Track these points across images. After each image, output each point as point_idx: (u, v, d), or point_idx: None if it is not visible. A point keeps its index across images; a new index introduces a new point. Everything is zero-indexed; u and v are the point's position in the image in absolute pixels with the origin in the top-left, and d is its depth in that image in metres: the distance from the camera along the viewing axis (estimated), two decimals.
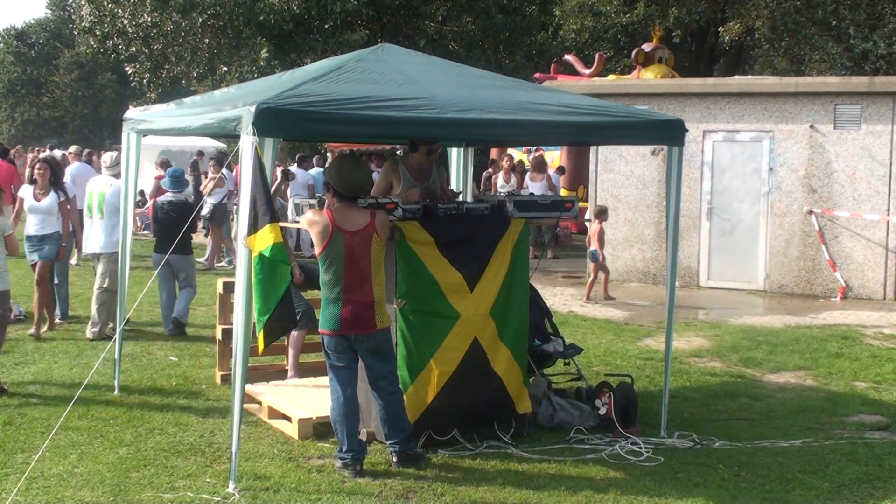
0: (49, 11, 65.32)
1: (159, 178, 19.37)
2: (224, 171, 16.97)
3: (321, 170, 21.52)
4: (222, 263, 17.82)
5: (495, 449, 7.16)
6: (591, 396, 8.06)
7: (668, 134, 7.60)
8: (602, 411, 7.85)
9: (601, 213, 14.79)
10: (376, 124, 6.52)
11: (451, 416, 7.18)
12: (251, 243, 5.98)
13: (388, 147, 22.58)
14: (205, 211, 17.41)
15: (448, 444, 7.15)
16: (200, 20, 24.48)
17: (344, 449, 6.60)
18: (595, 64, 24.47)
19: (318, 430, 7.36)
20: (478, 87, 7.56)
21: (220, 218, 17.84)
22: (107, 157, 11.95)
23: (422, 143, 7.84)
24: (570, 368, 8.70)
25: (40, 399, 8.37)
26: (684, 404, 8.67)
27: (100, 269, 11.26)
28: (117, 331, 8.63)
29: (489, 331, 7.30)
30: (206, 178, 18.95)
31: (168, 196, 11.83)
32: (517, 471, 6.77)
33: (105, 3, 26.36)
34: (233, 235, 17.45)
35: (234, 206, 16.71)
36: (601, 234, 14.53)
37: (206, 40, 25.60)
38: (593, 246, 14.55)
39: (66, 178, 12.65)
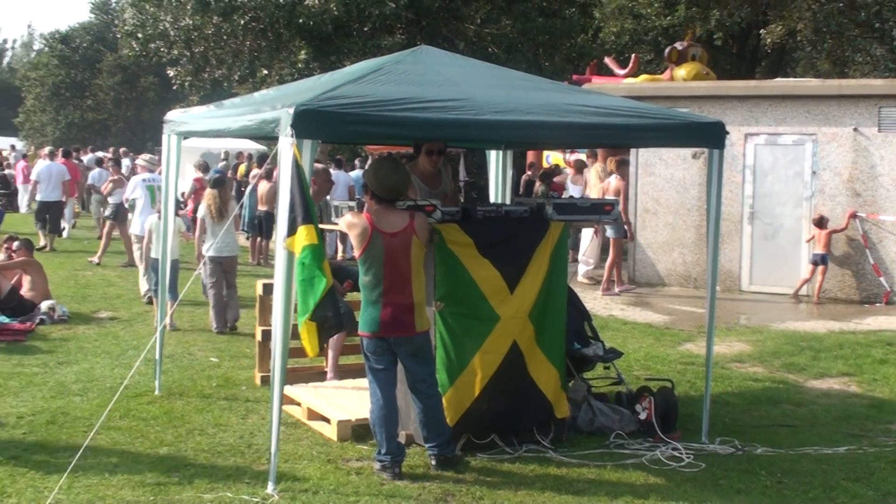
0: (93, 15, 66.00)
1: (198, 180, 19.63)
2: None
3: (361, 172, 21.62)
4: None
5: (534, 453, 7.12)
6: (631, 401, 8.00)
7: (709, 136, 7.53)
8: (642, 416, 7.79)
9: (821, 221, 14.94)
10: (414, 126, 6.51)
11: (490, 419, 7.15)
12: (290, 245, 5.99)
13: None
14: (107, 211, 18.10)
15: (487, 447, 7.12)
16: (241, 23, 24.61)
17: (383, 451, 6.59)
18: (630, 65, 24.30)
19: (356, 432, 7.35)
20: (516, 89, 7.53)
21: (123, 217, 17.74)
22: (147, 157, 13.75)
23: (423, 143, 7.83)
24: (609, 372, 8.64)
25: (83, 398, 8.44)
26: (725, 410, 8.58)
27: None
28: (157, 331, 8.69)
29: (528, 334, 7.26)
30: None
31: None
32: (556, 475, 6.73)
33: (147, 7, 26.62)
34: (273, 238, 17.58)
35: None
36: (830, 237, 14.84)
37: (247, 43, 25.75)
38: (820, 250, 14.92)
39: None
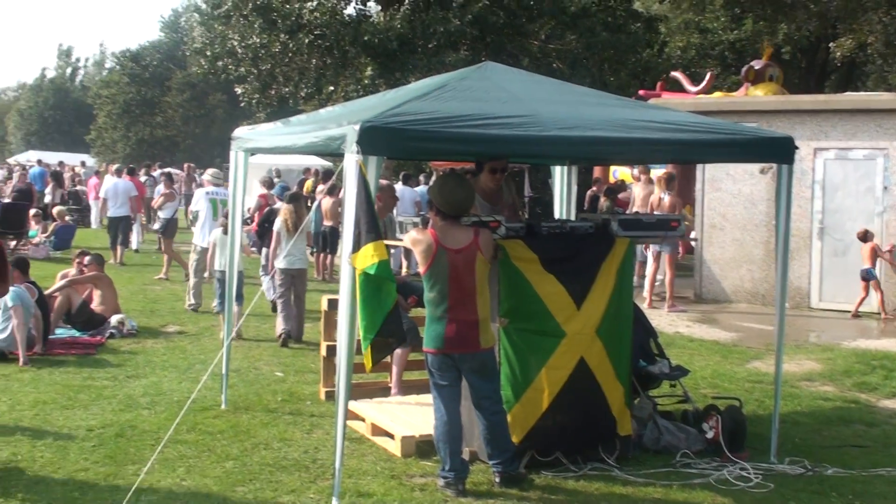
0: (162, 34, 67.24)
1: (263, 196, 19.89)
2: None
3: (426, 188, 21.69)
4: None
5: (599, 471, 7.05)
6: (697, 419, 7.89)
7: (777, 151, 7.42)
8: (709, 435, 7.68)
9: (866, 236, 14.74)
10: (479, 142, 6.50)
11: (555, 436, 7.09)
12: (355, 261, 6.01)
13: None
14: (157, 226, 18.52)
15: (551, 465, 7.07)
16: (307, 41, 24.91)
17: (447, 468, 6.58)
18: (705, 82, 24.06)
19: (420, 448, 7.35)
20: (581, 105, 7.50)
21: (172, 231, 18.40)
22: (213, 171, 15.42)
23: (486, 162, 7.80)
24: (676, 390, 8.54)
25: (150, 412, 8.55)
26: (795, 429, 8.43)
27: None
28: (224, 346, 8.77)
29: (596, 350, 7.19)
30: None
31: (279, 205, 13.47)
32: (622, 494, 6.66)
33: (216, 26, 27.08)
34: (337, 254, 17.71)
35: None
36: (875, 252, 14.61)
37: (313, 60, 26.04)
38: (867, 264, 14.53)
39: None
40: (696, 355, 11.54)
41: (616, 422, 7.34)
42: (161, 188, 21.76)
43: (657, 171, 18.79)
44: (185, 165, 33.69)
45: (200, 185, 19.56)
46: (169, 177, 20.37)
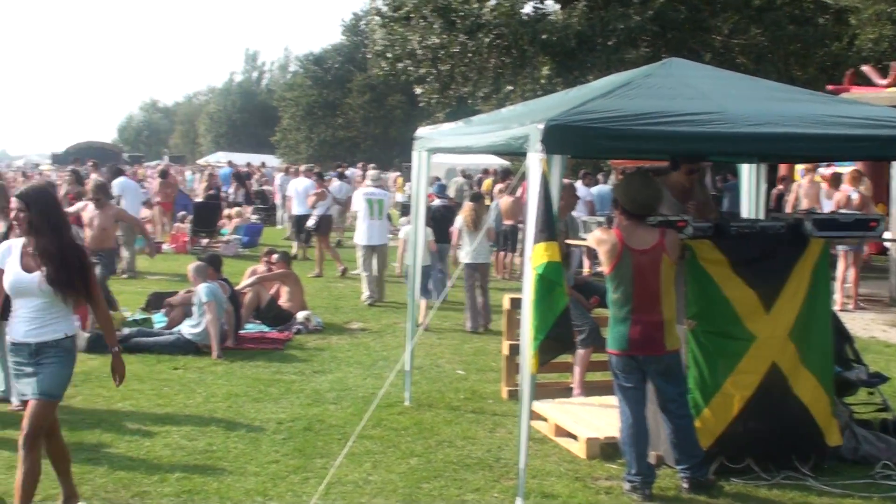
0: (344, 37, 68.77)
1: (430, 196, 20.25)
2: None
3: (604, 187, 21.47)
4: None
5: (793, 480, 6.81)
6: None
7: None
8: None
9: None
10: (667, 140, 6.36)
11: (745, 443, 6.88)
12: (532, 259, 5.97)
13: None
14: (310, 223, 18.97)
15: (742, 472, 6.86)
16: (486, 41, 25.01)
17: (633, 471, 6.48)
18: (893, 74, 22.91)
19: (605, 450, 7.27)
20: (772, 101, 7.23)
21: (326, 229, 19.16)
22: (372, 174, 16.74)
23: (684, 161, 7.60)
24: (873, 398, 8.15)
25: (337, 407, 8.75)
26: None
27: (377, 256, 14.95)
28: (407, 347, 8.89)
29: (789, 354, 6.94)
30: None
31: (437, 202, 14.93)
32: None
33: (396, 28, 27.48)
34: (517, 252, 17.75)
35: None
36: None
37: (492, 60, 26.13)
38: None
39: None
40: (893, 361, 11.00)
41: (822, 431, 7.05)
42: (348, 187, 22.39)
43: (823, 171, 18.09)
44: (360, 165, 34.43)
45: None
46: (320, 176, 20.84)
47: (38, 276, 5.67)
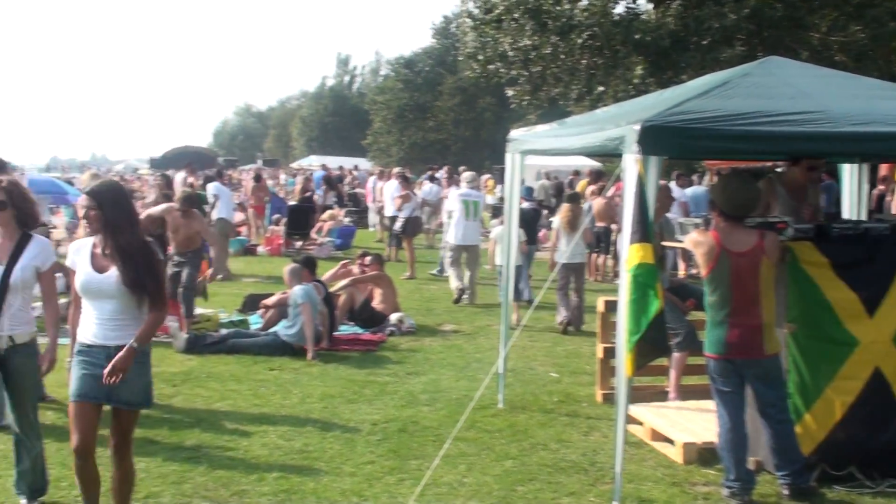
0: (434, 40, 69.08)
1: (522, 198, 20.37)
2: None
3: (698, 188, 21.19)
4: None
5: None
6: None
7: None
8: None
9: None
10: (768, 140, 6.24)
11: (848, 449, 6.70)
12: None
13: (768, 164, 21.78)
14: (397, 225, 19.31)
15: (844, 479, 6.68)
16: (578, 42, 24.84)
17: (731, 477, 6.37)
18: None
19: (702, 455, 7.16)
20: (874, 99, 7.04)
21: (413, 231, 19.57)
22: (467, 175, 16.88)
23: (804, 157, 7.44)
24: None
25: (430, 408, 8.78)
26: None
27: (468, 256, 15.36)
28: (501, 349, 8.88)
29: (893, 360, 6.75)
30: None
31: (525, 204, 14.71)
32: None
33: (487, 30, 27.47)
34: (610, 254, 17.64)
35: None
36: None
37: (584, 61, 25.93)
38: None
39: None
40: None
41: None
42: (438, 189, 22.52)
43: None
44: (446, 168, 34.55)
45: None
46: (405, 178, 20.96)
47: (113, 275, 5.44)
